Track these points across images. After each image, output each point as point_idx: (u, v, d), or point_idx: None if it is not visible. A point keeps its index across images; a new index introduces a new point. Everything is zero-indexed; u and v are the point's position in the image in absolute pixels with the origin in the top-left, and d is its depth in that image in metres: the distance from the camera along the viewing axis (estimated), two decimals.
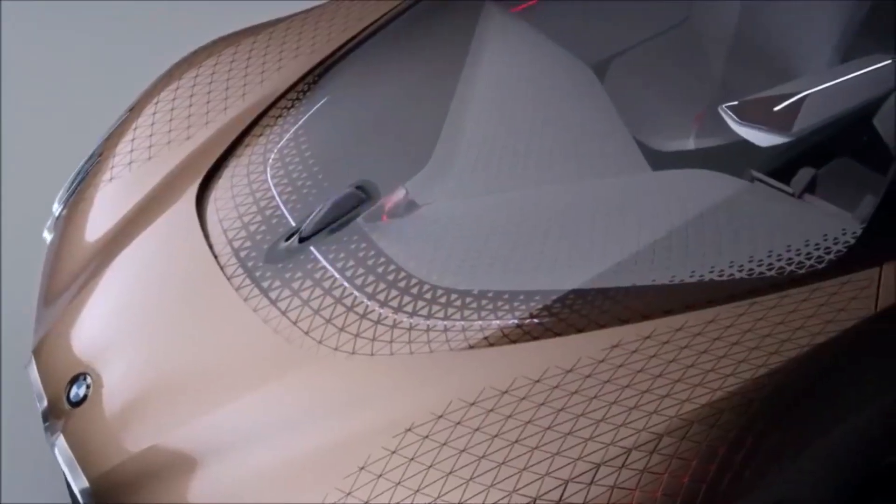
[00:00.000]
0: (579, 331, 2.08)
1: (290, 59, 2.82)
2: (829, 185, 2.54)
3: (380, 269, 2.21)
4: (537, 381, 2.00)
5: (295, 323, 2.17)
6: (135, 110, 2.78)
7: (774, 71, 3.13)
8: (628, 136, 2.69)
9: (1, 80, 4.05)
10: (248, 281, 2.27)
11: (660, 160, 3.00)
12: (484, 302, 2.13)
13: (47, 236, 2.69)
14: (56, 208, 2.70)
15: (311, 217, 2.34)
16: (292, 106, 2.67)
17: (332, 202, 2.34)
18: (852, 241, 2.15)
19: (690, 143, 2.89)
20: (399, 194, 2.41)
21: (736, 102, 2.70)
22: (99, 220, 2.53)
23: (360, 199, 2.35)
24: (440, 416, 1.98)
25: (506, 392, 2.00)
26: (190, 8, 4.40)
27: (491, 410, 1.98)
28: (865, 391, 2.05)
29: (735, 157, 2.78)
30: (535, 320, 2.10)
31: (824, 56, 3.02)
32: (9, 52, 4.16)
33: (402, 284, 2.18)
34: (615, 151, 2.63)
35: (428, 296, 2.16)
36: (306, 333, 2.15)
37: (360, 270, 2.22)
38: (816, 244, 2.15)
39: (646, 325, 2.07)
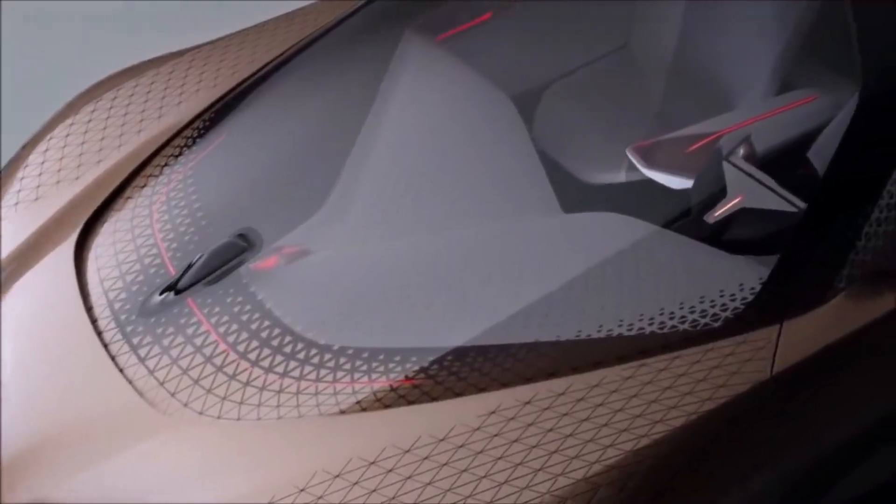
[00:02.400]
0: (457, 395, 1.96)
1: (192, 94, 2.71)
2: (746, 225, 2.42)
3: (254, 325, 2.10)
4: (407, 450, 1.88)
5: (162, 383, 2.06)
6: (27, 147, 2.66)
7: (712, 99, 3.02)
8: (542, 177, 2.57)
9: (1, 80, 3.93)
10: (118, 336, 2.15)
11: (589, 193, 2.89)
12: (359, 363, 2.01)
13: None
14: None
15: (189, 267, 2.22)
16: (188, 144, 2.55)
17: (211, 251, 2.23)
18: (750, 298, 2.03)
19: (622, 176, 2.77)
20: (285, 242, 2.29)
21: (643, 144, 2.59)
22: None
23: (241, 249, 2.24)
24: (302, 490, 1.87)
25: (373, 463, 1.88)
26: (190, 8, 4.28)
27: (356, 483, 1.86)
28: (758, 461, 1.93)
29: (667, 191, 2.66)
30: (412, 383, 1.98)
31: (760, 86, 2.91)
32: (9, 52, 4.05)
33: (275, 342, 2.07)
34: (525, 193, 2.51)
35: (301, 355, 2.04)
36: (172, 395, 2.04)
37: (234, 326, 2.11)
38: (712, 301, 2.03)
39: (527, 388, 1.95)
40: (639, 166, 2.60)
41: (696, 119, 2.80)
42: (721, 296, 2.03)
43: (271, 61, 2.74)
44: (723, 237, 2.36)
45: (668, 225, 2.42)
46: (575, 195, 2.86)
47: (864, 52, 2.10)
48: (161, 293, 2.19)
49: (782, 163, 2.57)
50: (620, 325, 2.01)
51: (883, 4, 2.16)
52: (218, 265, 2.21)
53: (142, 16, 4.36)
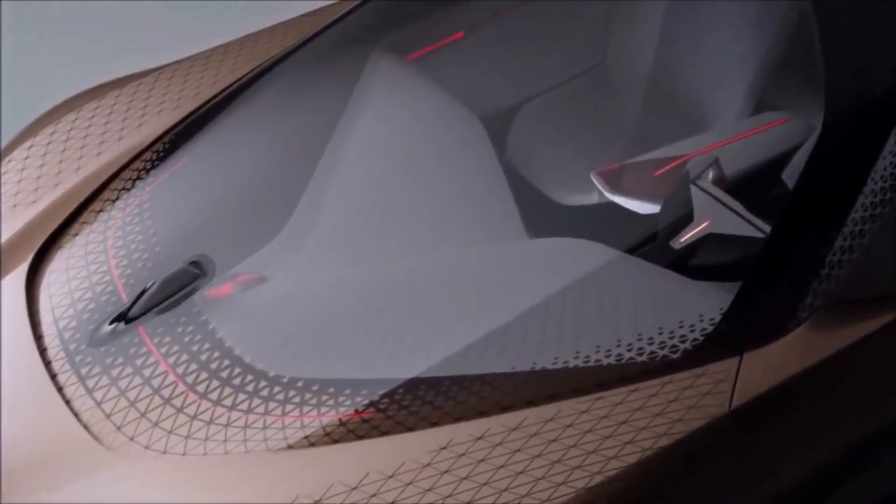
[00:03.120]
0: (408, 429, 1.91)
1: (154, 115, 2.66)
2: (713, 252, 2.38)
3: (204, 355, 2.05)
4: (354, 488, 1.83)
5: (108, 416, 2.01)
6: None
7: (688, 119, 2.98)
8: (509, 201, 2.53)
9: (1, 81, 3.89)
10: (67, 366, 2.10)
11: (562, 214, 2.85)
12: (308, 395, 1.97)
13: None
14: None
15: (141, 295, 2.18)
16: (146, 167, 2.50)
17: (163, 279, 2.18)
18: (710, 329, 1.98)
19: (594, 197, 2.72)
20: (242, 269, 2.24)
21: (608, 168, 2.54)
22: None
23: (193, 276, 2.19)
24: None
25: (319, 501, 1.83)
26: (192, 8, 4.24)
27: None
28: (714, 499, 1.88)
29: (637, 214, 2.62)
30: (362, 416, 1.93)
31: (735, 107, 2.87)
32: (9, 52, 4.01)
33: (224, 373, 2.02)
34: (490, 219, 2.46)
35: (250, 387, 1.99)
36: (118, 428, 1.99)
37: (184, 356, 2.06)
38: (671, 332, 1.98)
39: (480, 423, 1.90)
40: (602, 191, 2.56)
41: (672, 139, 2.76)
42: (680, 327, 1.98)
43: (235, 82, 2.70)
44: (689, 263, 2.32)
45: (636, 249, 2.38)
46: (547, 216, 2.82)
47: (828, 77, 2.06)
48: (111, 322, 2.14)
49: (751, 187, 2.53)
50: (577, 357, 1.97)
51: (849, 29, 2.11)
52: (170, 293, 2.17)
53: (142, 16, 4.33)
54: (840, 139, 2.04)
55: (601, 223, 2.69)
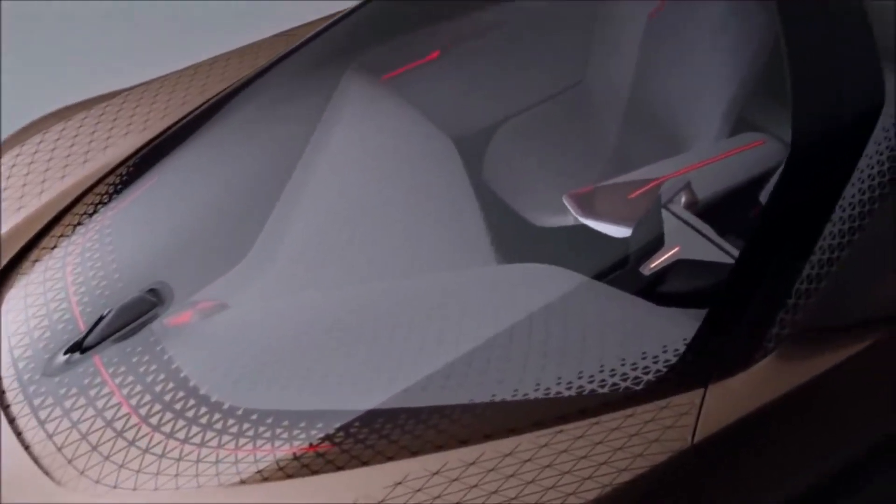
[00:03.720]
0: (363, 463, 1.87)
1: (120, 137, 2.62)
2: (682, 278, 2.33)
3: (158, 387, 2.01)
4: None
5: (60, 449, 1.96)
6: None
7: (667, 139, 2.95)
8: (479, 226, 2.48)
9: (1, 81, 3.86)
10: (20, 397, 2.06)
11: (537, 236, 2.81)
12: (262, 428, 1.92)
13: None
14: None
15: (97, 324, 2.14)
16: (109, 192, 2.46)
17: (119, 308, 2.14)
18: (674, 360, 1.94)
19: (570, 219, 2.68)
20: (203, 296, 2.20)
21: (580, 191, 2.50)
22: None
23: (150, 304, 2.15)
24: None
25: None
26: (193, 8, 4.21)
27: None
28: None
29: (609, 237, 2.58)
30: (316, 450, 1.89)
31: (713, 127, 2.83)
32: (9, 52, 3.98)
33: (178, 405, 1.97)
34: (459, 245, 2.42)
35: (204, 420, 1.95)
36: (69, 462, 1.94)
37: (138, 387, 2.02)
38: (634, 363, 1.94)
39: (437, 457, 1.86)
40: (574, 214, 2.52)
41: (651, 159, 2.72)
42: (643, 357, 1.94)
43: (203, 104, 2.66)
44: (659, 290, 2.28)
45: (607, 274, 2.34)
46: (523, 238, 2.78)
47: (796, 104, 2.02)
48: (66, 351, 2.10)
49: (728, 209, 2.49)
50: (537, 389, 1.92)
51: (818, 57, 2.08)
52: (126, 321, 2.13)
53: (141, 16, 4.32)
54: (807, 166, 2.00)
55: (575, 246, 2.65)
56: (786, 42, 2.11)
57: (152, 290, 2.17)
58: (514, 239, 2.81)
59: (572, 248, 2.69)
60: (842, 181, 1.98)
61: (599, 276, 2.31)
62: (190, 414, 1.95)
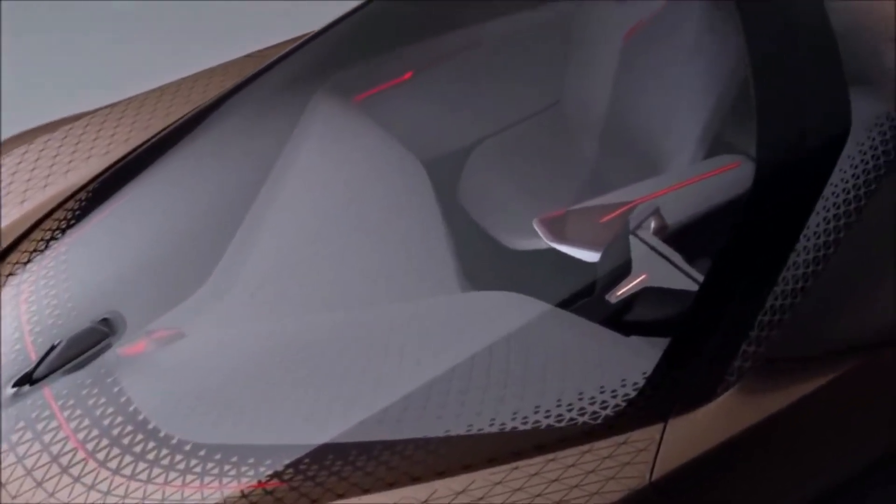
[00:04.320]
0: (313, 502, 1.82)
1: (82, 161, 2.58)
2: (647, 307, 2.29)
3: (106, 420, 1.96)
4: None
5: (3, 485, 1.91)
6: None
7: (643, 160, 2.90)
8: (445, 250, 2.44)
9: (1, 82, 3.82)
10: None
11: (510, 259, 2.77)
12: (210, 464, 1.87)
13: None
14: None
15: (46, 355, 2.09)
16: (68, 217, 2.42)
17: (69, 339, 2.09)
18: (633, 394, 1.89)
19: (543, 243, 2.64)
20: (159, 325, 2.16)
21: (551, 215, 2.45)
22: None
23: (102, 335, 2.10)
24: None
25: None
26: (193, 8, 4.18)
27: None
28: None
29: (579, 262, 2.54)
30: (265, 487, 1.84)
31: (689, 149, 2.79)
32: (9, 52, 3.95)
33: (126, 440, 1.93)
34: (424, 272, 2.38)
35: (151, 455, 1.90)
36: (13, 498, 1.89)
37: (87, 421, 1.97)
38: (592, 397, 1.89)
39: (388, 495, 1.81)
40: (544, 238, 2.48)
41: (627, 180, 2.68)
42: (602, 391, 1.89)
43: (166, 128, 2.62)
44: (625, 318, 2.23)
45: (576, 299, 2.30)
46: (496, 261, 2.74)
47: (760, 133, 1.97)
48: (15, 384, 2.06)
49: (701, 233, 2.44)
50: (492, 424, 1.87)
51: (784, 86, 2.03)
52: (78, 352, 2.08)
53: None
54: (771, 195, 1.95)
55: (547, 270, 2.61)
56: (752, 69, 2.07)
57: (104, 320, 2.12)
58: (487, 262, 2.77)
59: (544, 271, 2.65)
60: (806, 210, 1.94)
61: (567, 303, 2.27)
62: (137, 449, 1.90)
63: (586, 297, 2.31)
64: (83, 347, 2.09)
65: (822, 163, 1.96)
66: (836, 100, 2.01)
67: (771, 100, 2.02)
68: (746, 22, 2.19)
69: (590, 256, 2.47)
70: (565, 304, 2.25)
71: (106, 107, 2.77)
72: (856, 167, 1.95)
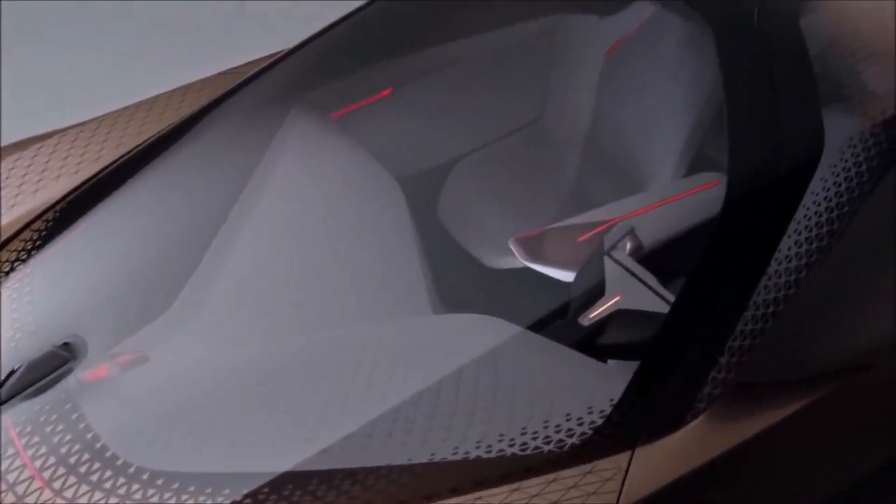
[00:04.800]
0: None
1: (51, 180, 2.55)
2: (618, 331, 2.25)
3: (64, 448, 1.92)
4: None
5: None
6: None
7: (625, 177, 2.87)
8: (418, 271, 2.40)
9: (1, 84, 3.80)
10: None
11: (492, 278, 2.73)
12: (168, 494, 1.83)
13: None
14: None
15: (5, 380, 2.05)
16: (34, 238, 2.38)
17: (29, 363, 2.06)
18: (600, 421, 1.85)
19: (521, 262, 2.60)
20: (123, 349, 2.12)
21: (527, 234, 2.42)
22: None
23: (63, 359, 2.06)
24: None
25: None
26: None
27: None
28: None
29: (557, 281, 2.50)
30: None
31: (669, 164, 2.76)
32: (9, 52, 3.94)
33: (83, 468, 1.89)
34: (395, 291, 2.34)
35: (108, 484, 1.86)
36: None
37: (44, 448, 1.93)
38: (557, 425, 1.85)
39: None
40: (519, 258, 2.44)
41: (609, 197, 2.65)
42: (568, 419, 1.85)
43: (136, 147, 2.58)
44: (598, 342, 2.19)
45: (550, 320, 2.26)
46: (474, 280, 2.70)
47: (732, 154, 1.94)
48: None
49: (679, 252, 2.40)
50: (455, 453, 1.83)
51: (756, 105, 2.00)
52: (38, 377, 2.04)
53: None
54: (741, 218, 1.92)
55: (527, 289, 2.58)
56: (725, 90, 2.04)
57: (66, 344, 2.08)
58: (466, 281, 2.73)
59: (524, 291, 2.61)
60: (778, 233, 1.90)
61: (543, 323, 2.23)
62: (94, 478, 1.87)
63: (559, 320, 2.27)
64: (43, 372, 2.06)
65: (795, 185, 1.93)
66: (809, 121, 1.97)
67: (743, 121, 1.99)
68: (720, 42, 2.16)
69: (566, 276, 2.44)
70: (541, 325, 2.21)
71: (77, 125, 2.74)
72: (828, 189, 1.92)
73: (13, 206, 2.49)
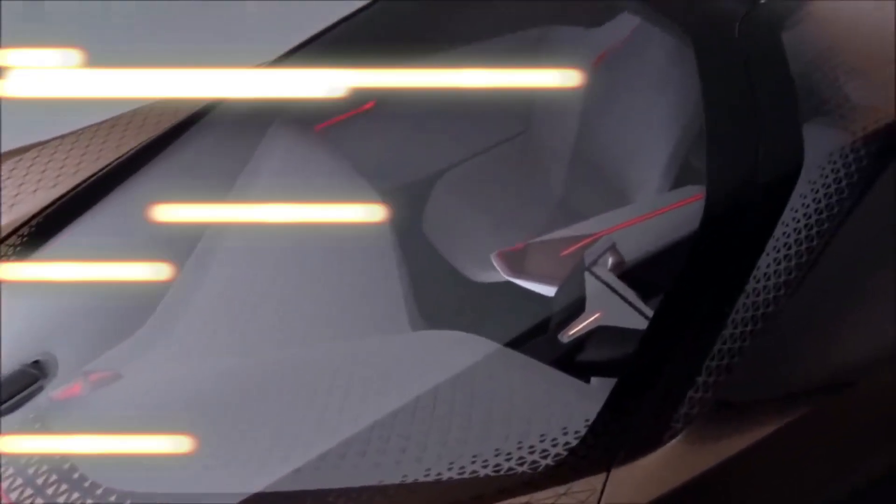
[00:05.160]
0: None
1: (29, 194, 2.52)
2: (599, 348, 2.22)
3: (31, 469, 1.89)
4: None
5: None
6: None
7: (611, 189, 2.85)
8: (398, 287, 2.38)
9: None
10: None
11: (476, 292, 2.71)
12: None
13: None
14: None
15: None
16: (8, 254, 2.36)
17: None
18: (574, 442, 1.82)
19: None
20: (96, 367, 2.09)
21: (509, 249, 2.39)
22: None
23: (33, 378, 2.04)
24: None
25: None
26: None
27: None
28: None
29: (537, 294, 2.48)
30: None
31: (655, 177, 2.74)
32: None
33: (50, 490, 1.86)
34: (374, 308, 2.31)
35: None
36: None
37: (10, 470, 1.90)
38: (531, 446, 1.82)
39: None
40: (501, 273, 2.42)
41: (596, 210, 2.62)
42: (542, 440, 1.82)
43: (116, 159, 2.56)
44: (577, 359, 2.16)
45: (534, 335, 2.24)
46: (458, 294, 2.68)
47: (710, 169, 1.91)
48: None
49: (659, 268, 2.38)
50: (427, 474, 1.80)
51: (736, 120, 1.97)
52: (7, 396, 2.01)
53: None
54: (719, 235, 1.89)
55: (511, 303, 2.55)
56: (705, 105, 2.02)
57: (36, 363, 2.06)
58: (450, 295, 2.71)
59: (508, 305, 2.59)
60: (756, 251, 1.87)
61: (524, 339, 2.21)
62: (61, 500, 1.84)
63: (543, 334, 2.25)
64: (13, 391, 2.03)
65: (774, 201, 1.90)
66: (789, 136, 1.95)
67: (722, 136, 1.96)
68: (700, 55, 2.13)
69: (548, 291, 2.42)
70: (523, 340, 2.19)
71: (56, 138, 2.71)
72: (808, 206, 1.89)
73: None
